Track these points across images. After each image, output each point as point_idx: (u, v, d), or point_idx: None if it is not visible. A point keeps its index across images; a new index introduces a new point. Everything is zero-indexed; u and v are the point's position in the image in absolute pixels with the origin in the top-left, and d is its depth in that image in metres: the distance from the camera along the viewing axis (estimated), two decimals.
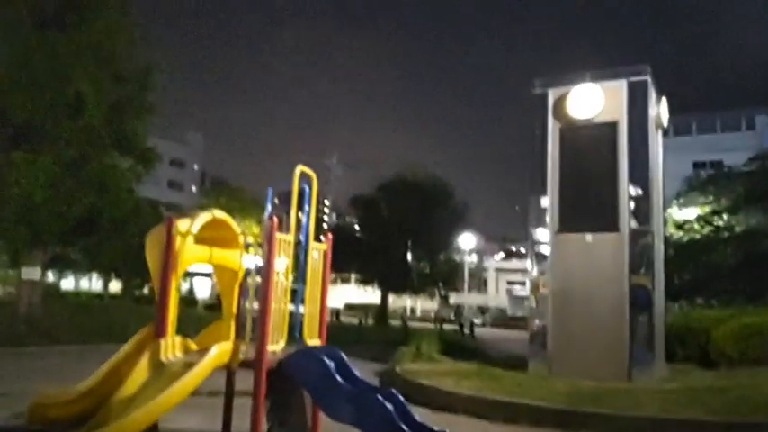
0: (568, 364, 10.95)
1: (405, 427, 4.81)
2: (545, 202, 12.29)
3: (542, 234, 12.33)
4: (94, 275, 43.18)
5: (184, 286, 43.68)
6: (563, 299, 11.65)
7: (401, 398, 5.33)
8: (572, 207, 12.01)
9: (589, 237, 11.63)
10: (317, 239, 6.16)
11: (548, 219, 12.17)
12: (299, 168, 5.64)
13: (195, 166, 71.79)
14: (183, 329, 5.76)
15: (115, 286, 39.07)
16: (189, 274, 40.18)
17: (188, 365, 4.64)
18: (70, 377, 6.25)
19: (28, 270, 16.59)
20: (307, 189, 5.99)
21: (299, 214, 5.87)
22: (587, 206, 11.90)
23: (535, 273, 12.39)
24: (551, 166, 12.30)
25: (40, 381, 8.40)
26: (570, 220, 11.95)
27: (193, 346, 5.54)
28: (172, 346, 5.10)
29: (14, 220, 15.06)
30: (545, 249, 12.20)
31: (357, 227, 31.88)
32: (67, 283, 44.19)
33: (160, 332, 5.07)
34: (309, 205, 5.92)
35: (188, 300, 36.82)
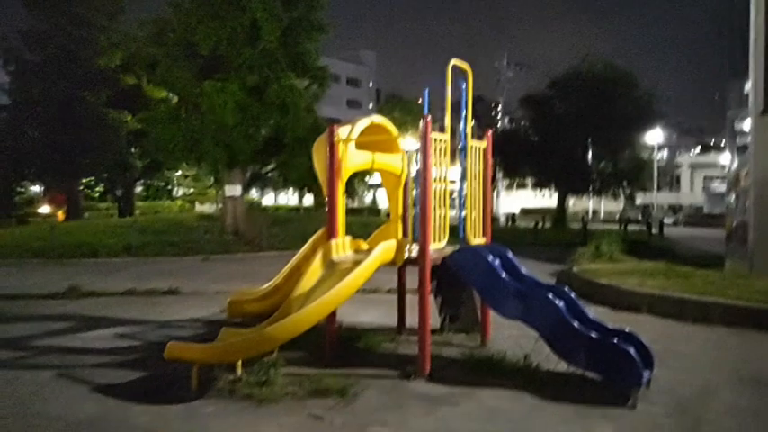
0: None
1: (576, 324, 4.67)
2: (747, 86, 10.62)
3: (743, 122, 10.75)
4: (290, 190, 47.21)
5: (368, 197, 46.05)
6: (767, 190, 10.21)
7: (573, 295, 5.17)
8: None
9: None
10: (479, 138, 5.99)
11: (750, 101, 10.54)
12: (453, 62, 5.42)
13: (370, 84, 73.38)
14: (367, 236, 6.11)
15: (309, 200, 42.40)
16: (371, 186, 42.12)
17: (356, 263, 4.91)
18: (267, 278, 7.01)
19: (230, 188, 18.66)
20: (463, 85, 5.78)
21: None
22: None
23: (735, 165, 10.96)
24: (754, 37, 10.46)
25: (243, 282, 9.56)
26: None
27: (364, 246, 5.84)
28: (342, 246, 5.41)
29: (212, 143, 16.81)
30: (746, 138, 10.67)
31: (530, 129, 30.54)
32: (267, 199, 48.92)
33: (331, 233, 5.40)
34: (466, 102, 5.73)
35: (372, 210, 38.87)
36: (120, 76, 25.81)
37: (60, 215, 27.88)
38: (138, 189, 36.08)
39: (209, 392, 4.38)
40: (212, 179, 23.68)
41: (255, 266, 12.96)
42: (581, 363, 4.66)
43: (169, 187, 40.43)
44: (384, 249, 5.06)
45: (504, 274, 5.09)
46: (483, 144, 5.93)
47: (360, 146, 5.69)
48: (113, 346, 5.95)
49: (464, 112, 5.74)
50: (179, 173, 35.54)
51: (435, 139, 5.09)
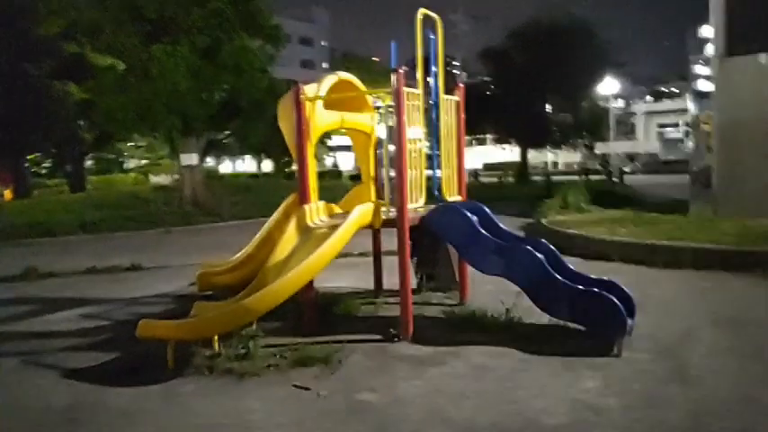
0: (737, 204, 9.94)
1: (558, 276, 4.63)
2: (705, 30, 10.64)
3: (700, 68, 10.82)
4: (248, 157, 46.20)
5: (329, 160, 45.50)
6: (731, 133, 10.35)
7: (552, 247, 5.13)
8: (743, 23, 10.24)
9: (764, 57, 9.97)
10: (448, 93, 5.81)
11: (710, 45, 10.59)
12: (421, 12, 5.19)
13: (323, 43, 71.83)
14: (331, 200, 5.90)
15: (268, 166, 41.62)
16: (332, 149, 41.57)
17: (333, 227, 4.73)
18: (233, 249, 6.78)
19: (186, 156, 18.01)
20: (432, 37, 5.56)
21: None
22: (763, 21, 10.09)
23: (694, 110, 11.07)
24: None
25: (207, 254, 9.28)
26: (740, 41, 10.25)
27: (338, 210, 5.66)
28: (316, 211, 5.22)
29: (165, 110, 16.13)
30: (705, 84, 10.75)
31: (490, 83, 30.44)
32: (225, 167, 47.89)
33: (303, 198, 5.18)
34: (436, 55, 5.52)
35: (333, 173, 38.41)
36: (61, 44, 24.42)
37: (7, 194, 26.70)
38: (89, 163, 34.77)
39: (186, 370, 4.20)
40: (167, 149, 22.88)
41: (218, 237, 12.66)
42: (564, 314, 4.65)
43: (121, 160, 39.09)
44: (361, 213, 4.89)
45: (482, 231, 5.00)
46: (455, 98, 5.76)
47: (328, 105, 5.45)
48: (80, 328, 5.67)
49: (435, 65, 5.55)
50: (131, 144, 34.31)
51: (408, 95, 4.89)
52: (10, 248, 12.25)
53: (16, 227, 14.15)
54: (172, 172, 22.18)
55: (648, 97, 68.21)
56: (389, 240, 5.61)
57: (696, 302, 5.74)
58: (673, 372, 3.93)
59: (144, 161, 37.90)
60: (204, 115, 16.83)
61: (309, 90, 5.20)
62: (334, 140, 37.22)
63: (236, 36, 16.96)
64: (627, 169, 34.41)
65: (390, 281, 5.73)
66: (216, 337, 4.40)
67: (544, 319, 4.78)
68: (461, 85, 5.97)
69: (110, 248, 11.58)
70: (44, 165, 34.10)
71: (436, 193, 5.62)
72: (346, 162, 44.50)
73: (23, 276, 8.54)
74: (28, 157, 29.76)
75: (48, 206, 18.04)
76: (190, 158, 17.98)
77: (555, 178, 25.13)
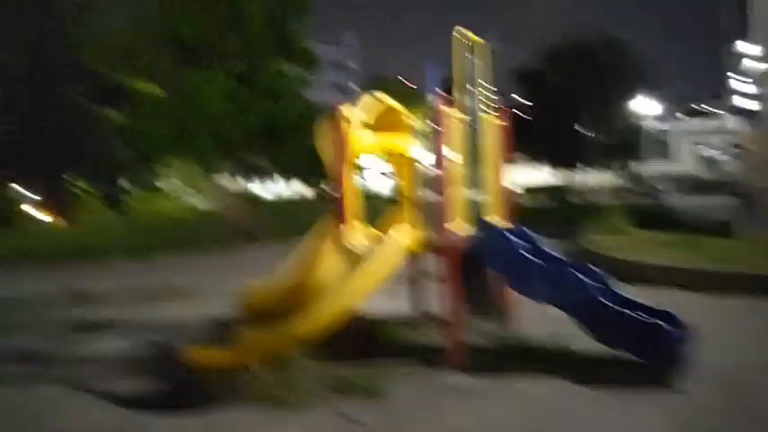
0: None
1: (609, 303, 4.47)
2: (741, 46, 10.38)
3: (739, 84, 10.52)
4: (283, 178, 46.75)
5: (361, 181, 45.61)
6: None
7: (600, 272, 4.97)
8: None
9: None
10: (490, 116, 5.73)
11: (747, 60, 10.29)
12: (458, 32, 5.13)
13: (354, 66, 72.79)
14: (366, 221, 5.83)
15: (303, 187, 42.04)
16: (364, 169, 41.74)
17: (373, 251, 4.66)
18: (271, 270, 6.74)
19: (223, 179, 18.30)
20: (471, 57, 5.51)
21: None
22: None
23: (738, 127, 10.74)
24: None
25: (246, 275, 9.26)
26: None
27: (377, 232, 5.59)
28: (355, 233, 5.16)
29: (202, 134, 16.43)
30: (744, 101, 10.44)
31: (523, 104, 30.29)
32: (261, 189, 48.47)
33: (342, 220, 5.12)
34: (475, 76, 5.46)
35: (366, 194, 38.50)
36: (101, 69, 25.17)
37: (50, 217, 27.39)
38: (128, 184, 35.54)
39: (228, 397, 4.14)
40: (204, 171, 23.31)
41: (257, 258, 12.68)
42: (616, 343, 4.47)
43: (159, 181, 39.88)
44: (402, 236, 4.81)
45: (528, 256, 4.88)
46: (499, 121, 5.68)
47: (367, 126, 5.42)
48: (123, 352, 5.69)
49: (473, 85, 5.49)
50: (169, 166, 35.01)
51: (447, 116, 4.83)
52: (54, 270, 12.49)
53: (60, 248, 14.46)
54: (209, 194, 22.52)
55: (683, 116, 67.06)
56: (430, 264, 5.51)
57: (754, 331, 5.49)
58: (738, 407, 3.72)
59: (181, 183, 38.59)
60: (240, 138, 17.08)
61: (348, 112, 5.18)
62: (366, 160, 37.33)
63: (270, 60, 17.26)
64: (666, 189, 33.70)
65: (434, 306, 5.62)
66: (258, 364, 4.35)
67: (595, 347, 4.60)
68: (504, 107, 5.89)
69: (149, 270, 11.71)
70: (85, 187, 34.98)
71: (478, 216, 5.52)
72: (380, 183, 44.64)
73: (66, 300, 8.64)
74: (69, 179, 30.55)
75: (88, 229, 18.44)
76: (227, 181, 18.26)
77: (593, 199, 24.76)
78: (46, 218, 26.67)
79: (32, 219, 27.08)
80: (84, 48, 23.65)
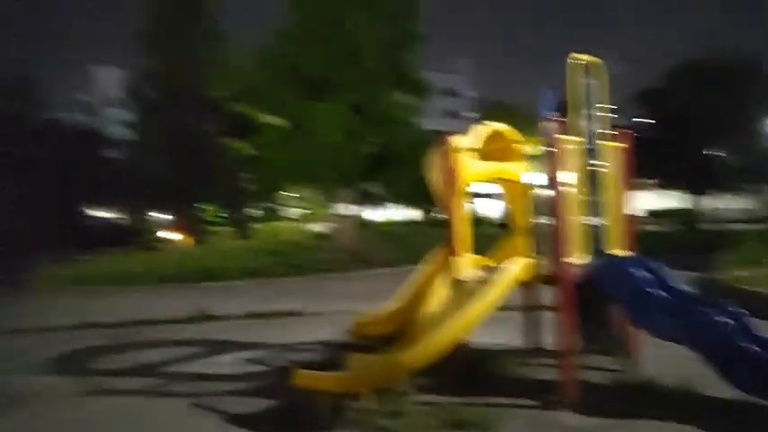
0: None
1: (747, 344, 4.04)
2: None
3: None
4: (397, 205, 47.54)
5: (470, 207, 45.15)
6: None
7: (735, 308, 4.51)
8: None
9: None
10: (610, 139, 5.46)
11: None
12: (574, 57, 4.97)
13: (468, 93, 72.79)
14: (476, 249, 5.74)
15: (417, 213, 42.44)
16: (474, 195, 41.40)
17: (486, 282, 4.56)
18: (384, 298, 6.81)
19: (340, 206, 18.92)
20: (588, 81, 5.30)
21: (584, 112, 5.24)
22: None
23: None
24: None
25: (360, 301, 9.44)
26: None
27: (489, 263, 5.47)
28: (467, 264, 5.08)
29: (321, 163, 17.11)
30: None
31: (644, 125, 28.68)
32: (376, 214, 49.52)
33: (453, 250, 5.07)
34: (593, 99, 5.24)
35: (479, 220, 38.09)
36: (230, 105, 27.11)
37: (183, 240, 29.60)
38: (253, 212, 37.66)
39: (339, 423, 4.18)
40: (323, 198, 24.27)
41: (371, 284, 12.88)
42: (755, 390, 4.02)
43: (281, 209, 41.92)
44: (516, 267, 4.67)
45: (652, 289, 4.54)
46: (619, 144, 5.39)
47: (478, 154, 5.35)
48: (240, 372, 5.96)
49: (591, 108, 5.27)
50: (290, 194, 36.75)
51: (562, 142, 4.66)
52: (182, 291, 13.42)
53: (188, 270, 15.53)
54: (327, 220, 23.35)
55: None
56: (543, 295, 5.30)
57: None
58: None
59: (302, 210, 40.36)
60: (357, 167, 17.60)
61: (458, 141, 5.15)
62: (476, 187, 37.00)
63: (385, 91, 17.70)
64: None
65: (549, 340, 5.37)
66: (368, 392, 4.36)
67: (730, 393, 4.17)
68: (627, 130, 5.59)
69: (270, 294, 12.24)
70: (215, 213, 37.57)
71: (598, 246, 5.24)
72: (491, 208, 43.98)
73: (193, 319, 9.24)
74: (201, 206, 32.93)
75: (216, 252, 19.67)
76: (344, 208, 18.86)
77: (726, 227, 22.81)
78: (178, 243, 28.82)
79: (167, 243, 29.40)
80: (214, 84, 25.69)
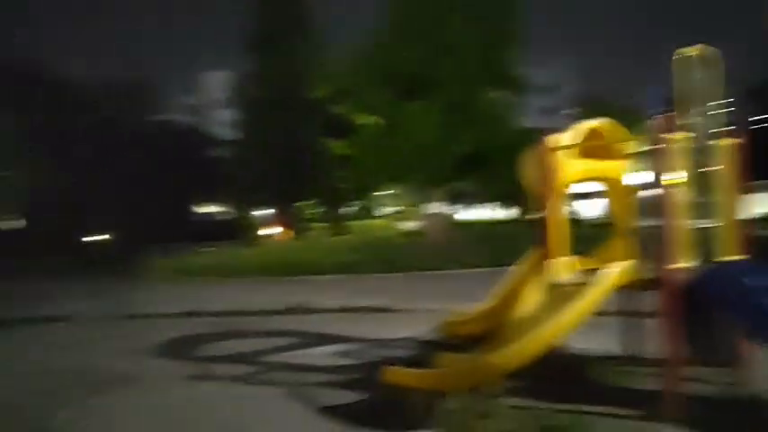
0: None
1: None
2: None
3: None
4: (489, 204, 46.89)
5: (573, 207, 43.70)
6: None
7: None
8: None
9: None
10: (723, 137, 5.09)
11: None
12: (680, 52, 4.66)
13: (566, 89, 70.52)
14: (576, 250, 5.54)
15: (511, 213, 41.68)
16: (572, 196, 40.02)
17: (583, 286, 4.40)
18: (476, 296, 6.73)
19: (432, 205, 18.91)
20: (699, 74, 4.96)
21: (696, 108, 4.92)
22: None
23: None
24: None
25: (450, 300, 9.38)
26: None
27: (587, 265, 5.27)
28: (564, 267, 4.92)
29: (414, 162, 17.19)
30: None
31: (762, 122, 26.50)
32: (468, 213, 49.03)
33: (549, 252, 4.93)
34: (703, 94, 4.90)
35: (573, 221, 36.75)
36: (328, 105, 27.84)
37: (283, 236, 30.75)
38: (347, 209, 38.47)
39: (428, 422, 4.18)
40: (415, 197, 24.41)
41: (461, 283, 12.76)
42: None
43: (374, 207, 42.53)
44: (617, 271, 4.47)
45: (766, 298, 4.19)
46: (733, 142, 5.02)
47: (578, 153, 5.17)
48: (334, 365, 6.11)
49: (701, 104, 4.93)
50: (383, 192, 37.22)
51: (668, 140, 4.40)
52: (281, 284, 13.94)
53: (287, 264, 16.11)
54: (420, 219, 23.48)
55: None
56: (646, 299, 5.02)
57: None
58: None
59: (394, 208, 40.77)
60: (450, 166, 17.53)
61: (558, 139, 4.99)
62: (574, 186, 35.73)
63: (481, 89, 17.51)
64: None
65: (649, 348, 5.10)
66: (457, 391, 4.33)
67: None
68: (742, 127, 5.19)
69: (362, 289, 12.45)
70: (312, 211, 38.76)
71: (707, 250, 4.90)
72: (589, 207, 42.26)
73: (290, 311, 9.59)
74: (300, 204, 34.07)
75: (312, 247, 20.28)
76: (436, 206, 18.85)
77: None
78: (278, 238, 29.99)
79: (267, 238, 30.66)
80: (314, 86, 26.46)
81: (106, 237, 34.04)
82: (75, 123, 32.01)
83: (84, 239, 32.61)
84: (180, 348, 7.26)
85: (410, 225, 34.38)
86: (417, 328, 7.69)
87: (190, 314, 9.69)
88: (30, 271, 21.36)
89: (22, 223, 32.49)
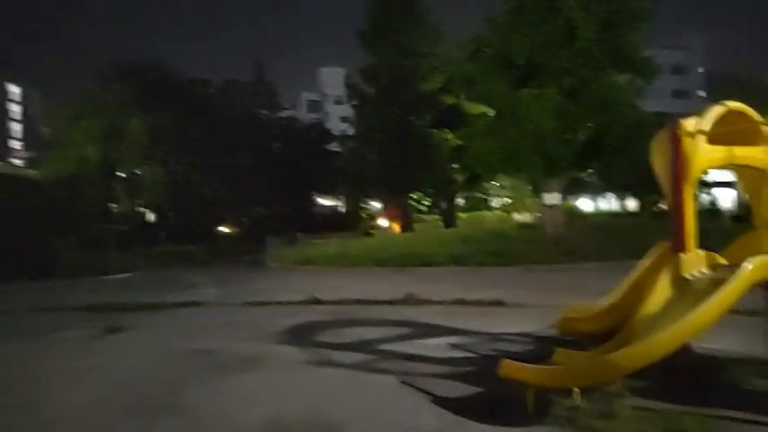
0: None
1: None
2: None
3: None
4: (610, 195, 44.59)
5: (704, 197, 40.58)
6: None
7: None
8: None
9: None
10: None
11: None
12: None
13: (699, 69, 65.32)
14: (707, 244, 5.15)
15: (632, 204, 39.43)
16: (707, 185, 37.07)
17: (717, 282, 4.08)
18: (593, 293, 6.46)
19: (548, 196, 18.30)
20: None
21: None
22: None
23: None
24: None
25: (566, 295, 9.07)
26: None
27: (722, 260, 4.89)
28: (695, 261, 4.60)
29: (530, 152, 16.71)
30: None
31: None
32: (586, 205, 46.92)
33: (678, 246, 4.63)
34: None
35: (710, 211, 34.08)
36: (440, 97, 27.77)
37: (396, 228, 31.18)
38: (460, 201, 38.22)
39: (545, 419, 4.08)
40: (530, 188, 23.75)
41: (578, 278, 12.32)
42: None
43: (487, 198, 41.89)
44: (755, 266, 4.11)
45: None
46: None
47: (713, 139, 4.79)
48: (448, 356, 6.11)
49: None
50: (497, 184, 36.58)
51: None
52: (395, 275, 14.18)
53: (400, 256, 16.34)
54: (534, 210, 22.85)
55: None
56: None
57: None
58: None
59: (508, 200, 39.93)
60: (567, 154, 16.88)
61: (689, 124, 4.65)
62: (712, 175, 32.98)
63: (602, 73, 16.67)
64: None
65: None
66: (577, 389, 4.19)
67: None
68: None
69: (475, 282, 12.36)
70: (424, 202, 38.92)
71: None
72: (727, 198, 38.88)
73: (404, 301, 9.73)
74: (412, 196, 34.35)
75: (425, 239, 20.39)
76: (552, 197, 18.23)
77: None
78: (391, 229, 30.45)
79: (381, 230, 31.23)
80: (428, 79, 26.50)
81: (234, 228, 36.33)
82: (202, 122, 34.27)
83: (215, 230, 35.02)
84: (302, 334, 7.60)
85: (523, 217, 33.59)
86: (530, 323, 7.53)
87: (312, 302, 10.14)
88: (166, 260, 23.32)
89: (151, 217, 35.26)
